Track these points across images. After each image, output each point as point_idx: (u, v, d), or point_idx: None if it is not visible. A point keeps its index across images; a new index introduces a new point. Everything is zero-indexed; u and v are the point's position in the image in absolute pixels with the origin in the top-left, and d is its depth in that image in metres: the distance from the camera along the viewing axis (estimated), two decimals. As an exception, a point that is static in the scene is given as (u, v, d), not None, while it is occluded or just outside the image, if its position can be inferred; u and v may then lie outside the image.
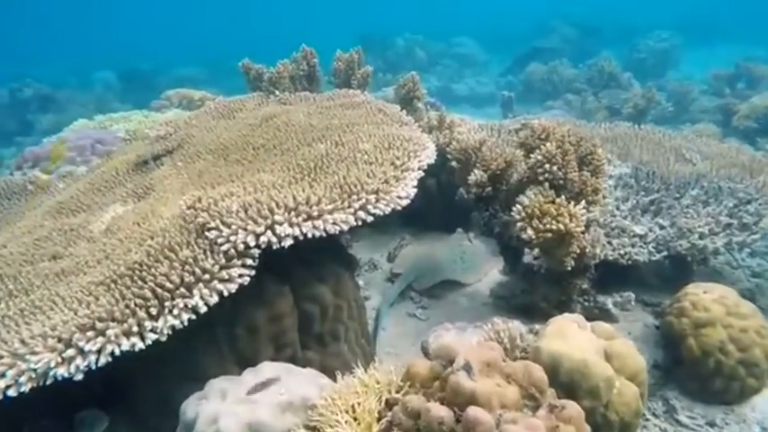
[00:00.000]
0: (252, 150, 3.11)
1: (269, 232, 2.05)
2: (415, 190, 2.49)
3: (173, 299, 1.91)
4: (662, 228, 3.26)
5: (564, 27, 15.09)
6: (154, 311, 1.89)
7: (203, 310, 1.94)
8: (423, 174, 2.65)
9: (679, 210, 3.38)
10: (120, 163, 3.56)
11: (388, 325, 3.34)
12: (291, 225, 2.07)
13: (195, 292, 1.93)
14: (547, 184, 2.54)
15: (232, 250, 2.04)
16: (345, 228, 2.15)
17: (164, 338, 1.87)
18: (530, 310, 3.01)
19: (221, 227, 2.08)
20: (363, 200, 2.22)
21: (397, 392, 1.78)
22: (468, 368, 1.64)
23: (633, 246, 3.03)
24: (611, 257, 2.92)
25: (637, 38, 12.40)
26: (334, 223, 2.12)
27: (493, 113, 9.92)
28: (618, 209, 3.43)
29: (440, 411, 1.56)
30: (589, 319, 2.24)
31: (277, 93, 4.02)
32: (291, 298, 2.36)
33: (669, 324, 2.80)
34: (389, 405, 1.77)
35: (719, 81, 8.94)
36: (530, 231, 2.41)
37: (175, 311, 1.88)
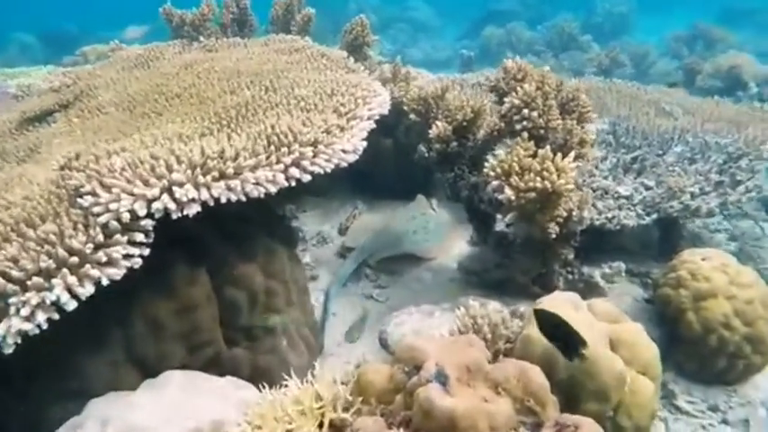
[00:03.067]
0: (164, 101, 2.52)
1: (165, 197, 1.49)
2: (365, 144, 1.97)
3: (23, 293, 1.34)
4: (648, 188, 2.87)
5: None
6: (-7, 312, 1.32)
7: (72, 306, 1.39)
8: (374, 126, 2.13)
9: (664, 168, 3.00)
10: (2, 122, 2.88)
11: (340, 309, 2.85)
12: (197, 186, 1.52)
13: (57, 281, 1.37)
14: (525, 135, 2.07)
15: (114, 222, 1.48)
16: (273, 189, 1.62)
17: (9, 350, 1.31)
18: (505, 287, 2.58)
19: (98, 190, 1.51)
20: (297, 153, 1.69)
21: (346, 410, 1.29)
22: (442, 377, 1.16)
23: (620, 208, 2.62)
24: (597, 222, 2.50)
25: (594, 1, 12.09)
26: (258, 183, 1.58)
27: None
28: (597, 168, 3.02)
29: (405, 444, 1.09)
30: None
31: (201, 38, 3.39)
32: (208, 283, 1.82)
33: (665, 297, 2.42)
34: (336, 429, 1.29)
35: (678, 42, 8.74)
36: (508, 191, 1.94)
37: (25, 311, 1.31)
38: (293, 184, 1.68)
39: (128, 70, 3.21)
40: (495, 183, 1.99)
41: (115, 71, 3.21)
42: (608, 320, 1.71)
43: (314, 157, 1.71)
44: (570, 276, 2.55)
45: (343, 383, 1.36)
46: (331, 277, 3.13)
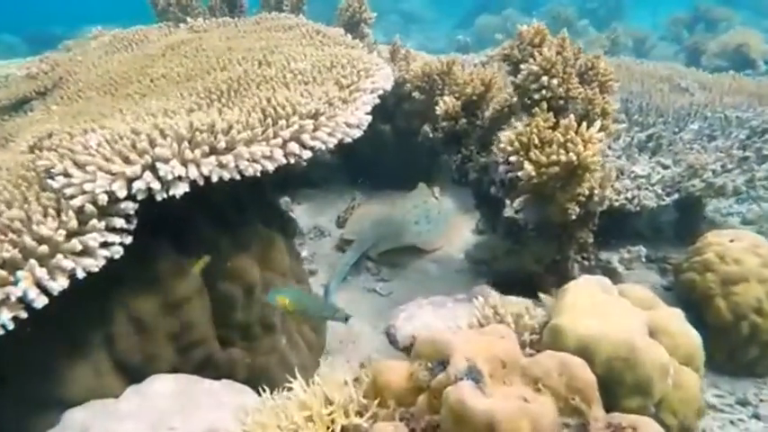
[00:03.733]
0: (149, 82, 2.33)
1: (148, 175, 1.31)
2: (369, 118, 1.79)
3: (-18, 288, 1.16)
4: (665, 167, 2.71)
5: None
6: (-54, 312, 1.14)
7: (42, 302, 1.21)
8: (378, 101, 1.95)
9: (681, 146, 2.85)
10: (-26, 113, 2.68)
11: (341, 304, 2.68)
12: (185, 163, 1.34)
13: (24, 274, 1.19)
14: (544, 105, 1.90)
15: (89, 205, 1.30)
16: (270, 167, 1.44)
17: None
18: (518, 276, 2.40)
19: (71, 170, 1.33)
20: (296, 126, 1.51)
21: (360, 415, 1.12)
22: (474, 374, 0.99)
23: (639, 188, 2.46)
24: (616, 203, 2.34)
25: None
26: (253, 160, 1.40)
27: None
28: (609, 147, 2.86)
29: (435, 455, 0.92)
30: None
31: (189, 20, 3.20)
32: (199, 275, 1.64)
33: (690, 282, 2.26)
34: (348, 437, 1.12)
35: (678, 26, 8.58)
36: (528, 167, 1.76)
37: (-15, 309, 1.13)
38: (291, 161, 1.50)
39: (110, 54, 3.01)
40: (512, 158, 1.82)
41: (96, 56, 3.01)
42: (642, 307, 1.55)
43: (315, 130, 1.53)
44: (587, 263, 2.38)
45: (354, 384, 1.19)
46: (330, 271, 2.96)
